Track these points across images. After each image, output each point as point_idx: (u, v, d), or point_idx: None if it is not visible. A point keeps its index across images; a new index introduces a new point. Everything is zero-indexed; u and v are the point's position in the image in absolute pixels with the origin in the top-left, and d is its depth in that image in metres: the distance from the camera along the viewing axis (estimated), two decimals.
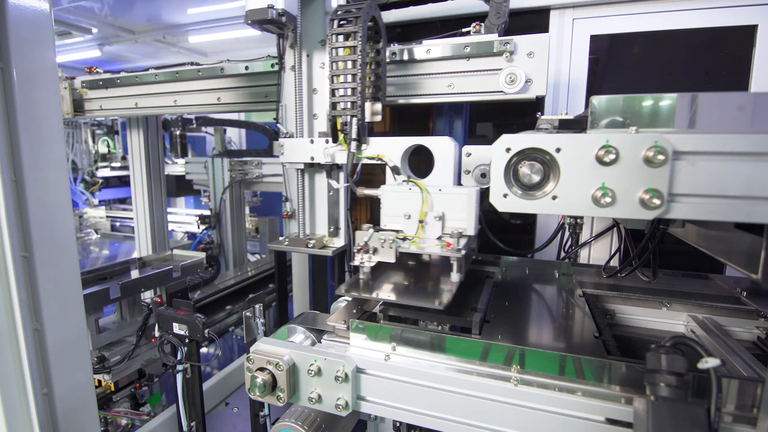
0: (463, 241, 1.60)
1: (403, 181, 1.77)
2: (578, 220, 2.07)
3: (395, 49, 2.13)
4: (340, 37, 1.69)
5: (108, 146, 7.17)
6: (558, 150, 0.93)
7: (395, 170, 1.78)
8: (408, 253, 1.60)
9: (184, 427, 2.36)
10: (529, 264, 1.90)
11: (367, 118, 1.84)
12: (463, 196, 1.66)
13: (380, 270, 1.73)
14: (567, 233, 2.10)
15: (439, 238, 1.66)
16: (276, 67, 2.33)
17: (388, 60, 2.12)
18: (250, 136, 8.15)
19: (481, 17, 2.11)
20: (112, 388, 2.58)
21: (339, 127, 1.79)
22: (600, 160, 0.89)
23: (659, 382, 0.88)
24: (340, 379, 1.14)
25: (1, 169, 1.49)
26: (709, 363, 0.84)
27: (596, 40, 2.39)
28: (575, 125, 1.36)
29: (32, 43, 1.58)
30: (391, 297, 1.43)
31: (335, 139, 1.82)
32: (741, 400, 0.94)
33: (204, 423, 2.44)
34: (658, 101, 0.92)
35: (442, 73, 2.08)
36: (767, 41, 2.11)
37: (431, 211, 1.70)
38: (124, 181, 7.47)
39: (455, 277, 1.55)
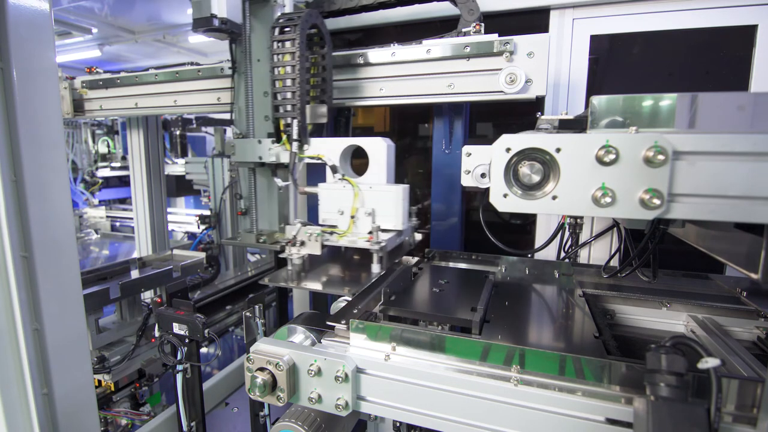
0: (385, 236, 1.76)
1: (338, 179, 1.89)
2: (578, 220, 2.07)
3: (395, 49, 2.13)
4: (281, 44, 1.80)
5: (108, 146, 7.18)
6: (558, 150, 0.93)
7: (333, 169, 1.90)
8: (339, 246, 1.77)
9: (184, 427, 2.36)
10: (529, 264, 1.90)
11: (313, 120, 1.96)
12: (391, 193, 1.83)
13: (318, 263, 1.92)
14: (567, 233, 2.11)
15: (370, 232, 1.81)
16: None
17: (390, 60, 2.13)
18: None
19: (449, 20, 2.15)
20: (112, 388, 2.58)
21: (282, 128, 1.89)
22: (600, 160, 0.89)
23: (659, 382, 0.87)
24: (340, 379, 1.14)
25: (1, 169, 1.48)
26: (709, 363, 0.84)
27: (596, 40, 2.39)
28: (575, 125, 1.36)
29: (32, 43, 1.58)
30: (307, 286, 1.65)
31: (278, 140, 1.92)
32: (741, 400, 0.94)
33: (204, 423, 2.44)
34: (658, 101, 0.92)
35: (442, 73, 2.08)
36: (767, 41, 2.11)
37: (362, 207, 1.85)
38: (124, 181, 7.47)
39: (375, 268, 1.72)
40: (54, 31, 1.70)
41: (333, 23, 2.87)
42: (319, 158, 1.92)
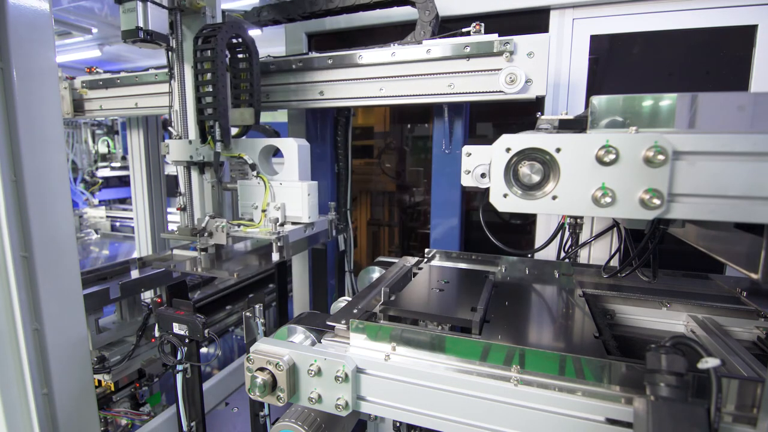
0: (289, 228, 2.03)
1: (254, 176, 2.12)
2: (578, 220, 2.07)
3: (395, 49, 2.13)
4: (203, 53, 1.96)
5: (108, 146, 7.18)
6: (558, 150, 0.93)
7: (252, 167, 2.12)
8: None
9: (184, 427, 2.36)
10: (529, 264, 1.90)
11: (240, 123, 2.18)
12: (297, 189, 2.07)
13: (233, 254, 2.23)
14: (567, 233, 2.11)
15: (283, 225, 2.05)
16: (272, 67, 2.36)
17: (390, 60, 2.13)
18: (249, 135, 8.14)
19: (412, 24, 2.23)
20: (112, 388, 2.57)
21: (207, 129, 2.06)
22: (600, 160, 0.89)
23: (659, 382, 0.88)
24: (340, 379, 1.14)
25: (1, 169, 1.49)
26: (709, 363, 0.84)
27: (596, 40, 2.39)
28: (575, 125, 1.36)
29: (32, 43, 1.58)
30: (200, 270, 1.94)
31: (204, 141, 2.08)
32: (741, 400, 0.94)
33: (204, 423, 2.44)
34: (658, 101, 0.92)
35: (442, 73, 2.08)
36: (767, 41, 2.11)
37: (273, 201, 2.08)
38: (124, 181, 7.47)
39: (275, 256, 1.93)
40: (54, 31, 1.70)
41: (334, 23, 2.87)
42: (241, 157, 2.14)
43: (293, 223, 2.14)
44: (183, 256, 2.86)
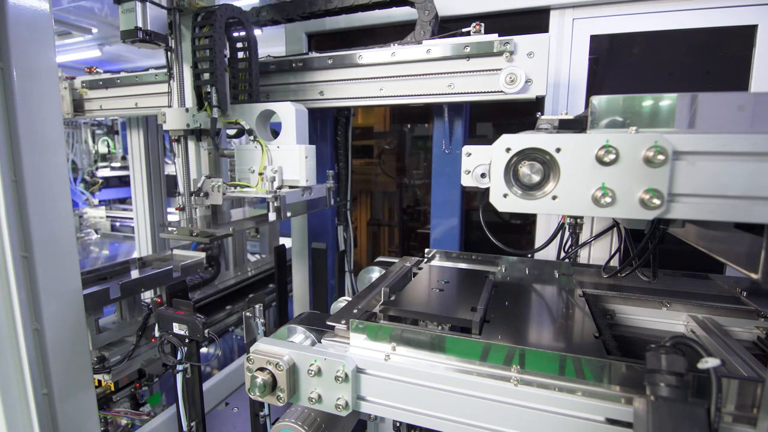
0: (286, 189, 2.05)
1: (251, 140, 2.13)
2: (578, 220, 2.07)
3: (395, 49, 2.13)
4: (200, 29, 2.00)
5: (108, 146, 7.17)
6: (558, 150, 0.93)
7: (250, 132, 2.13)
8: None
9: (184, 427, 2.36)
10: (529, 264, 1.90)
11: (238, 117, 2.19)
12: (294, 152, 2.08)
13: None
14: (567, 233, 2.10)
15: (281, 187, 2.07)
16: (272, 67, 2.37)
17: (390, 60, 2.13)
18: None
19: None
20: (112, 388, 2.57)
21: (204, 96, 2.09)
22: (600, 160, 0.89)
23: (659, 382, 0.88)
24: (340, 379, 1.14)
25: (1, 169, 1.49)
26: (709, 363, 0.84)
27: (596, 40, 2.39)
28: (575, 125, 1.36)
29: (32, 43, 1.58)
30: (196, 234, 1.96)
31: (200, 107, 2.11)
32: (741, 400, 0.94)
33: (204, 423, 2.44)
34: (658, 101, 0.92)
35: (442, 73, 2.09)
36: (767, 41, 2.11)
37: (270, 165, 2.09)
38: (124, 181, 7.47)
39: (271, 216, 1.95)
40: (54, 31, 1.70)
41: (334, 23, 2.87)
42: (238, 123, 2.13)
43: (291, 187, 2.14)
44: (183, 256, 2.86)
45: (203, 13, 2.02)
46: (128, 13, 1.91)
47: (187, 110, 2.13)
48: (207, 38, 2.00)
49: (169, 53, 2.14)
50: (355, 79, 2.27)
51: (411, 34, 2.22)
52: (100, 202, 7.25)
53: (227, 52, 2.19)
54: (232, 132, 2.27)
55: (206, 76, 2.04)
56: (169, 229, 2.11)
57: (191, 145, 2.22)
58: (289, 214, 2.05)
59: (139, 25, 1.92)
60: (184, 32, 2.11)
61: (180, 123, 2.15)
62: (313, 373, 1.17)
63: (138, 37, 1.94)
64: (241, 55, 2.23)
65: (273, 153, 2.11)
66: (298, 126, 2.11)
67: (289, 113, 2.08)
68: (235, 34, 2.20)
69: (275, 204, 1.95)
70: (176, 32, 2.10)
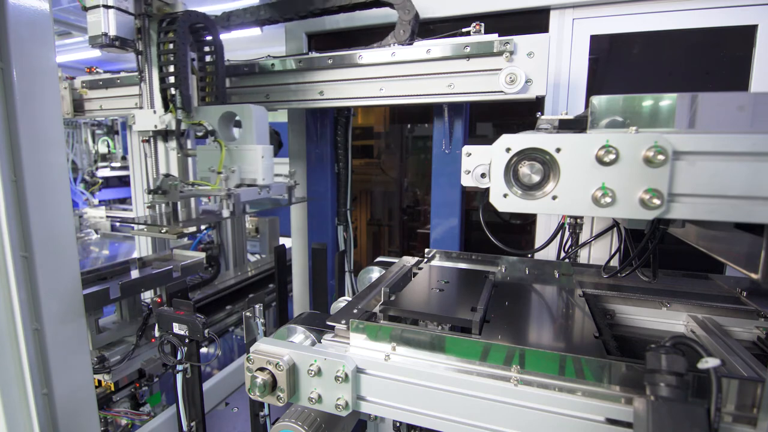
0: (242, 188, 2.15)
1: (212, 141, 2.22)
2: (578, 220, 2.07)
3: (395, 49, 2.13)
4: (165, 34, 2.12)
5: (108, 146, 7.17)
6: (558, 150, 0.93)
7: (212, 133, 2.22)
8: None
9: (184, 427, 2.36)
10: (529, 264, 1.90)
11: (202, 118, 2.29)
12: (252, 152, 2.17)
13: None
14: (567, 233, 2.11)
15: (240, 186, 2.18)
16: (275, 67, 2.37)
17: (390, 60, 2.13)
18: None
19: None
20: (112, 388, 2.57)
21: (169, 98, 2.19)
22: (600, 160, 0.89)
23: (659, 382, 0.87)
24: (340, 379, 1.14)
25: (1, 169, 1.48)
26: (709, 363, 0.84)
27: (596, 40, 2.39)
28: (575, 125, 1.36)
29: (32, 43, 1.58)
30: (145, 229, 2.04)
31: (166, 109, 2.21)
32: (741, 400, 0.93)
33: (204, 423, 2.44)
34: (658, 101, 0.92)
35: (442, 73, 2.09)
36: (767, 41, 2.11)
37: (229, 164, 2.17)
38: (124, 181, 7.47)
39: (225, 213, 2.06)
40: (54, 31, 1.70)
41: (333, 23, 2.87)
42: (201, 124, 2.23)
43: (249, 185, 2.24)
44: (183, 256, 2.86)
45: (168, 18, 2.12)
46: (95, 20, 1.99)
47: (154, 112, 2.23)
48: (171, 43, 2.10)
49: (139, 57, 2.24)
50: (355, 79, 2.27)
51: (391, 33, 2.25)
52: (100, 202, 7.25)
53: (195, 55, 2.30)
54: (200, 133, 2.33)
55: (171, 79, 2.13)
56: (139, 226, 2.18)
57: (160, 145, 2.33)
58: (242, 209, 2.18)
59: (105, 31, 2.01)
60: (152, 36, 2.20)
61: (148, 124, 2.24)
62: (313, 373, 1.17)
63: (105, 43, 2.03)
64: (208, 58, 2.32)
65: (233, 153, 2.21)
66: (257, 127, 2.20)
67: (248, 114, 2.18)
68: (207, 39, 2.30)
69: (230, 202, 2.06)
70: (145, 37, 2.19)
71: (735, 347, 1.19)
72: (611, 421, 0.98)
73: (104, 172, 7.20)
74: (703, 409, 0.84)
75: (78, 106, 3.24)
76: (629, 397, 0.97)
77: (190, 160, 2.45)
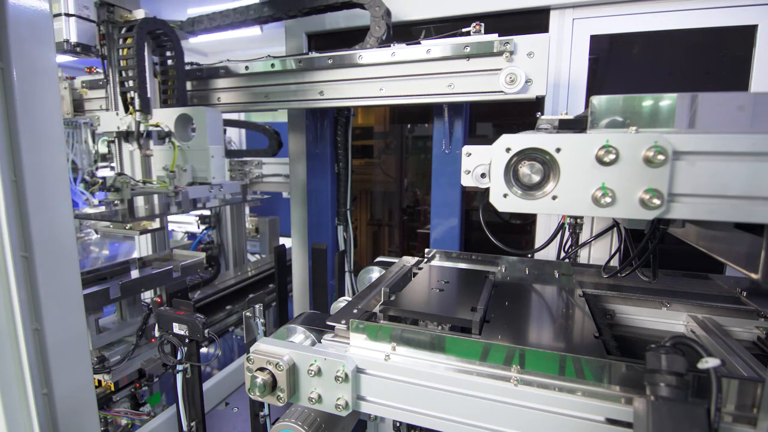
0: (191, 187, 2.30)
1: (168, 142, 2.37)
2: (578, 220, 2.07)
3: (395, 49, 2.13)
4: (124, 41, 2.26)
5: (108, 146, 7.16)
6: (558, 150, 0.93)
7: (168, 134, 2.36)
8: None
9: (184, 427, 2.36)
10: (529, 264, 1.90)
11: (159, 120, 2.44)
12: (204, 152, 2.32)
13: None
14: (567, 233, 2.11)
15: (192, 184, 2.34)
16: (275, 67, 2.38)
17: (390, 60, 2.14)
18: (250, 136, 8.13)
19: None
20: (112, 388, 2.57)
21: (129, 101, 2.34)
22: (600, 160, 0.89)
23: (659, 382, 0.87)
24: (340, 379, 1.14)
25: (1, 169, 1.48)
26: (709, 363, 0.84)
27: (596, 40, 2.39)
28: (575, 125, 1.36)
29: (32, 43, 1.58)
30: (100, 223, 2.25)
31: (126, 111, 2.36)
32: (741, 400, 0.93)
33: (204, 423, 2.44)
34: (658, 101, 0.92)
35: (442, 73, 2.08)
36: (767, 41, 2.11)
37: (182, 164, 2.33)
38: None
39: (173, 208, 2.23)
40: (54, 31, 1.70)
41: (333, 23, 2.87)
42: (158, 125, 2.36)
43: (201, 183, 2.39)
44: (183, 256, 2.86)
45: (126, 26, 2.26)
46: (58, 27, 2.11)
47: (117, 114, 2.37)
48: (129, 48, 2.25)
49: (104, 62, 2.35)
50: (355, 79, 2.27)
51: (368, 33, 2.32)
52: (100, 202, 7.24)
53: (158, 59, 2.45)
54: (162, 135, 2.47)
55: (130, 83, 2.28)
56: (105, 223, 2.36)
57: (124, 145, 2.48)
58: (190, 207, 2.35)
59: (67, 37, 2.13)
60: (115, 42, 2.33)
61: (111, 125, 2.37)
62: (313, 373, 1.17)
63: (66, 49, 2.15)
64: (170, 62, 2.45)
65: (186, 153, 2.35)
66: (209, 128, 2.33)
67: (201, 116, 2.33)
68: (167, 44, 2.46)
69: (176, 200, 2.22)
70: (109, 42, 2.30)
71: (735, 347, 1.19)
72: (611, 421, 0.98)
73: (104, 172, 7.19)
74: (703, 409, 0.84)
75: (78, 106, 3.24)
76: (629, 397, 0.97)
77: (152, 159, 2.58)
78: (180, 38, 2.48)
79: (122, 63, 2.28)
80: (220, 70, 2.57)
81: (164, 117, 2.37)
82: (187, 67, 2.68)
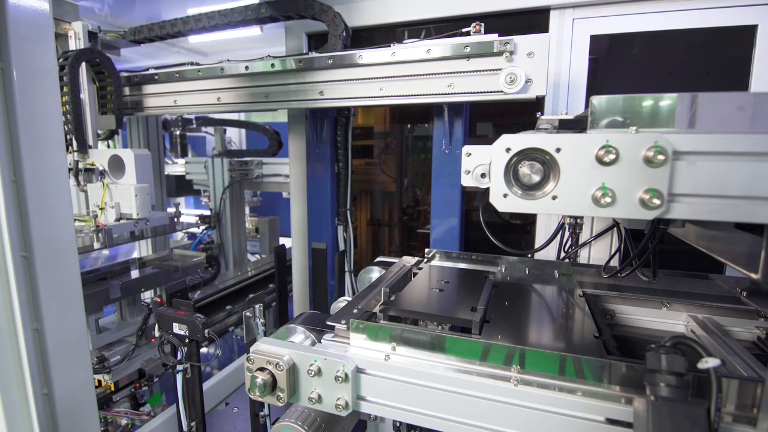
0: (115, 223, 2.53)
1: (98, 180, 2.60)
2: (578, 220, 2.07)
3: (395, 49, 2.13)
4: (61, 80, 2.32)
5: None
6: (558, 150, 0.93)
7: (103, 173, 2.61)
8: None
9: (184, 427, 2.36)
10: (529, 264, 1.90)
11: (106, 127, 2.75)
12: (129, 190, 2.57)
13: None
14: (567, 233, 2.10)
15: (119, 219, 2.57)
16: (275, 67, 2.38)
17: (390, 60, 2.14)
18: (250, 136, 8.14)
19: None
20: (112, 388, 2.58)
21: (68, 141, 2.51)
22: (600, 160, 0.89)
23: (659, 382, 0.87)
24: (340, 379, 1.14)
25: (1, 169, 1.48)
26: (709, 363, 0.84)
27: (596, 40, 2.39)
28: (575, 125, 1.36)
29: (32, 43, 1.58)
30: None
31: (67, 150, 2.53)
32: (741, 400, 0.93)
33: (204, 423, 2.44)
34: (658, 101, 0.92)
35: (442, 73, 2.08)
36: (767, 41, 2.11)
37: (110, 200, 2.59)
38: None
39: (95, 245, 2.37)
40: (54, 31, 1.70)
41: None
42: (93, 165, 2.60)
43: (127, 219, 2.61)
44: (183, 256, 2.86)
45: (62, 56, 2.36)
46: None
47: (69, 150, 2.53)
48: (66, 93, 2.36)
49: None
50: (355, 79, 2.27)
51: (328, 35, 2.40)
52: None
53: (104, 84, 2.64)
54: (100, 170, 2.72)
55: (67, 127, 2.43)
56: None
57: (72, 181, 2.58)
58: (112, 242, 2.52)
59: None
60: (59, 52, 2.44)
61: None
62: (313, 373, 1.17)
63: None
64: (104, 72, 2.62)
65: (114, 190, 2.60)
66: (137, 168, 2.59)
67: (129, 158, 2.60)
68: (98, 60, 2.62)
69: (99, 235, 2.41)
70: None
71: (735, 347, 1.19)
72: (611, 421, 0.98)
73: None
74: (703, 409, 0.83)
75: None
76: (629, 397, 0.97)
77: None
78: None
79: (62, 108, 2.35)
80: (220, 69, 2.57)
81: (99, 157, 2.62)
82: (186, 67, 2.68)
